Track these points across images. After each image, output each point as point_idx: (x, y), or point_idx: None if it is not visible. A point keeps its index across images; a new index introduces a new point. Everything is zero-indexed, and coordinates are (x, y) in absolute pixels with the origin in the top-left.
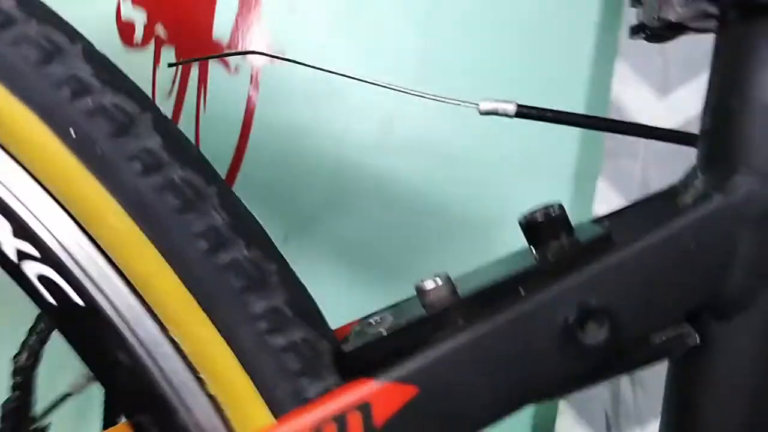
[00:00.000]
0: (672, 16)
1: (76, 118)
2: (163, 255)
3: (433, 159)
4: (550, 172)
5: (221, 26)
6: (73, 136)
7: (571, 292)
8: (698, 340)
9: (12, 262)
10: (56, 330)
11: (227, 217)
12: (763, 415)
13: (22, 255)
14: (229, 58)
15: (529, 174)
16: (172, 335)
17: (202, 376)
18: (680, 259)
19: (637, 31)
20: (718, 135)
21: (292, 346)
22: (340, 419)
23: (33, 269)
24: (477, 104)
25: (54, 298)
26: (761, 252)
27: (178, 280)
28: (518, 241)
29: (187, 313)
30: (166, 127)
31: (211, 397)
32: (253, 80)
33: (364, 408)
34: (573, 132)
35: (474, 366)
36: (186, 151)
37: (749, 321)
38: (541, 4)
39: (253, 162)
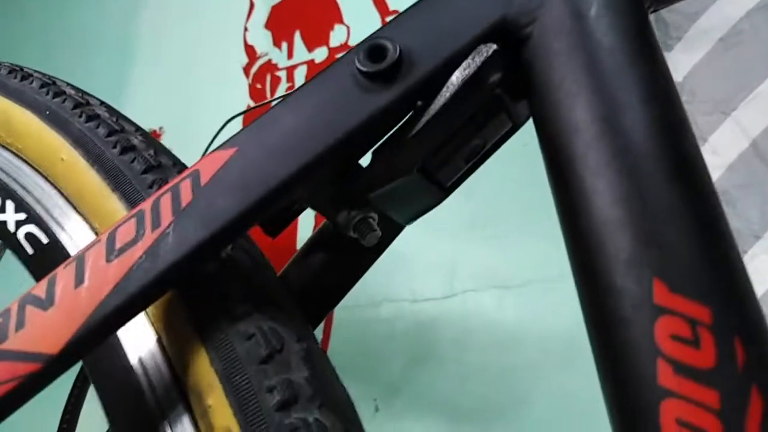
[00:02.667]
0: None
1: None
2: None
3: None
4: None
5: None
6: None
7: (362, 43)
8: (497, 47)
9: None
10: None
11: None
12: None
13: None
14: None
15: None
16: None
17: None
18: None
19: None
20: None
21: None
22: (174, 188)
23: None
24: None
25: None
26: None
27: None
28: None
29: None
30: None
31: None
32: None
33: (194, 174)
34: None
35: (286, 121)
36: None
37: (545, 26)
38: None
39: (339, 339)
